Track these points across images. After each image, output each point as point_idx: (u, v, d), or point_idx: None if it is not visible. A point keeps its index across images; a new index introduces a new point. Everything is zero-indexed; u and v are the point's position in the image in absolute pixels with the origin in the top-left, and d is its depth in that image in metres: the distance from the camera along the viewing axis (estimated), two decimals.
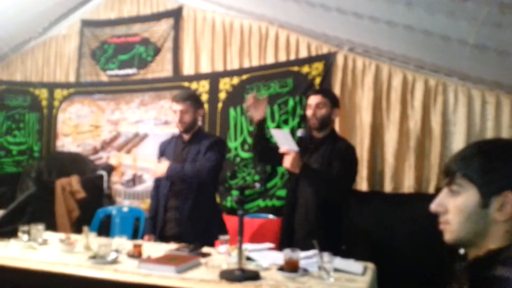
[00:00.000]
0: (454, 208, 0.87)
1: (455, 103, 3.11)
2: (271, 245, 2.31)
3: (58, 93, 4.72)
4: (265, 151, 2.44)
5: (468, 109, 3.06)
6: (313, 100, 2.37)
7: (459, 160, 0.88)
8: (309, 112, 2.37)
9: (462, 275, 0.82)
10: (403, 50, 3.18)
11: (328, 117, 2.36)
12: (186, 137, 2.61)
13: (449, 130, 3.14)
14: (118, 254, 2.06)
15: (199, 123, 2.78)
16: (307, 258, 1.95)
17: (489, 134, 3.00)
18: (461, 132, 3.07)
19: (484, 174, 0.84)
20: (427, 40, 2.75)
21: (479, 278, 0.77)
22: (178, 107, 2.55)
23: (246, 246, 2.13)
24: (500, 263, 0.75)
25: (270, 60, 3.76)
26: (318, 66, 3.46)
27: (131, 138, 4.32)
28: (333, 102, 2.39)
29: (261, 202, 3.56)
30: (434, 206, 0.90)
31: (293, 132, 3.33)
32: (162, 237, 2.58)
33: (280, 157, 2.23)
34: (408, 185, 3.18)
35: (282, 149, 2.19)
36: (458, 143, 3.07)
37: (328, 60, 3.43)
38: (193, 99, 2.59)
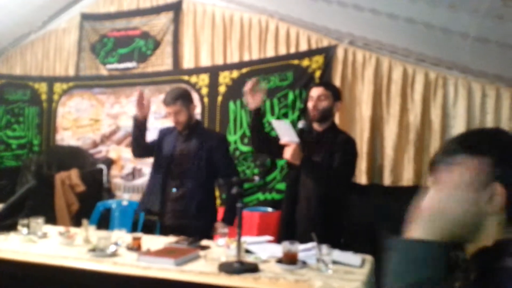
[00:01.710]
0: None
1: (455, 96, 3.11)
2: (270, 237, 2.31)
3: (58, 87, 4.72)
4: (262, 140, 2.42)
5: (468, 102, 3.05)
6: (315, 92, 2.35)
7: (443, 156, 0.86)
8: (310, 104, 2.35)
9: (469, 265, 0.80)
10: (403, 43, 3.16)
11: (329, 110, 2.33)
12: (184, 132, 2.61)
13: (449, 123, 3.13)
14: (117, 247, 2.06)
15: (198, 116, 2.79)
16: (306, 250, 1.95)
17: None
18: (460, 126, 3.07)
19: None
20: (428, 33, 2.74)
21: (487, 269, 0.76)
22: (169, 109, 2.54)
23: (245, 238, 2.13)
24: (508, 255, 0.73)
25: (270, 53, 3.75)
26: (318, 59, 3.44)
27: (131, 131, 4.31)
28: (335, 95, 2.37)
29: (260, 196, 3.56)
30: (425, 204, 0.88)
31: (293, 125, 3.32)
32: (161, 227, 2.60)
33: (279, 149, 2.22)
34: (407, 178, 3.18)
35: (283, 140, 2.18)
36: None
37: (328, 53, 3.42)
38: (182, 97, 2.55)
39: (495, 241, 0.80)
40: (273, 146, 2.32)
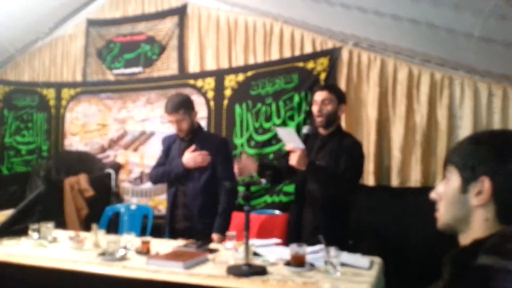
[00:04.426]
0: (442, 195, 0.90)
1: (461, 96, 3.10)
2: (278, 240, 2.32)
3: (65, 93, 4.77)
4: (277, 179, 2.49)
5: (474, 102, 3.04)
6: (319, 96, 2.36)
7: (452, 149, 0.91)
8: (315, 109, 2.36)
9: (445, 265, 0.82)
10: (408, 44, 3.16)
11: (334, 113, 2.34)
12: (186, 138, 2.65)
13: (456, 124, 3.12)
14: (126, 251, 2.08)
15: (204, 120, 2.80)
16: (314, 253, 1.96)
17: (496, 127, 2.98)
18: (467, 126, 3.06)
19: (464, 159, 0.85)
20: (433, 34, 2.74)
21: (462, 268, 0.77)
22: (172, 118, 2.58)
23: (253, 241, 2.14)
24: (483, 252, 0.74)
25: (275, 56, 3.76)
26: (323, 62, 3.45)
27: (138, 136, 4.35)
28: (340, 98, 2.37)
29: (268, 198, 3.57)
30: (432, 194, 0.93)
31: (299, 128, 3.34)
32: (171, 231, 2.62)
33: (289, 168, 2.25)
34: (415, 179, 3.18)
35: (288, 147, 2.20)
36: (464, 136, 3.04)
37: (333, 55, 3.42)
38: (184, 105, 2.58)
39: (472, 240, 0.81)
40: (285, 173, 2.39)
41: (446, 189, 0.88)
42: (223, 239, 2.49)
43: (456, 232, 0.88)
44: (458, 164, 0.86)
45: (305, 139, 2.33)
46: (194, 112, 2.64)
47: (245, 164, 2.42)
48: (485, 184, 0.81)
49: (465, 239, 0.85)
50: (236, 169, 2.50)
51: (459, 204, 0.85)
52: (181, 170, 2.57)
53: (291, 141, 2.18)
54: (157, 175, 2.71)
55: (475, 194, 0.82)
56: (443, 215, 0.89)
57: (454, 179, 0.87)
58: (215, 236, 2.52)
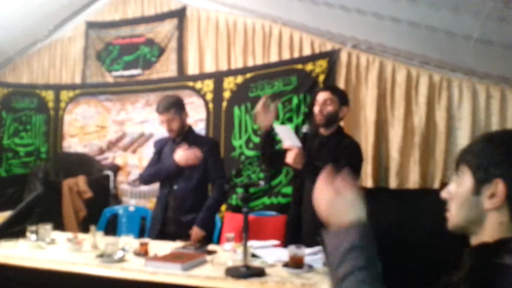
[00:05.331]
0: (454, 195, 0.86)
1: (459, 98, 3.10)
2: (276, 242, 2.32)
3: (64, 95, 4.76)
4: (273, 157, 2.44)
5: (472, 104, 3.05)
6: (321, 96, 2.35)
7: (464, 148, 0.88)
8: (316, 109, 2.36)
9: (465, 259, 0.80)
10: (407, 46, 3.17)
11: (335, 114, 2.33)
12: (178, 140, 2.66)
13: (454, 126, 3.13)
14: (125, 253, 2.08)
15: (203, 122, 2.81)
16: (312, 254, 1.96)
17: (494, 128, 2.99)
18: (466, 127, 3.06)
19: (478, 159, 0.82)
20: (431, 36, 2.75)
21: (483, 264, 0.75)
22: (163, 117, 2.59)
23: (251, 243, 2.14)
24: (508, 252, 0.73)
25: (273, 58, 3.77)
26: (322, 64, 3.45)
27: (137, 138, 4.35)
28: (342, 99, 2.37)
29: (266, 200, 3.57)
30: (443, 193, 0.90)
31: (297, 129, 3.34)
32: (163, 235, 2.62)
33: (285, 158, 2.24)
34: (413, 181, 3.18)
35: (285, 145, 2.20)
36: (463, 138, 3.06)
37: (331, 57, 3.43)
38: (175, 105, 2.60)
39: (496, 239, 0.79)
40: (281, 159, 2.34)
41: (458, 189, 0.85)
42: (202, 235, 2.48)
43: (467, 233, 0.85)
44: (471, 164, 0.83)
45: (304, 138, 2.33)
46: (184, 113, 2.66)
47: (263, 112, 2.31)
48: (499, 186, 0.78)
49: (477, 241, 0.82)
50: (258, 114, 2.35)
51: (471, 206, 0.82)
52: (173, 168, 2.56)
53: (288, 139, 2.18)
54: (148, 175, 2.71)
55: (488, 196, 0.80)
56: (455, 216, 0.86)
57: (466, 179, 0.83)
58: (195, 229, 2.49)
